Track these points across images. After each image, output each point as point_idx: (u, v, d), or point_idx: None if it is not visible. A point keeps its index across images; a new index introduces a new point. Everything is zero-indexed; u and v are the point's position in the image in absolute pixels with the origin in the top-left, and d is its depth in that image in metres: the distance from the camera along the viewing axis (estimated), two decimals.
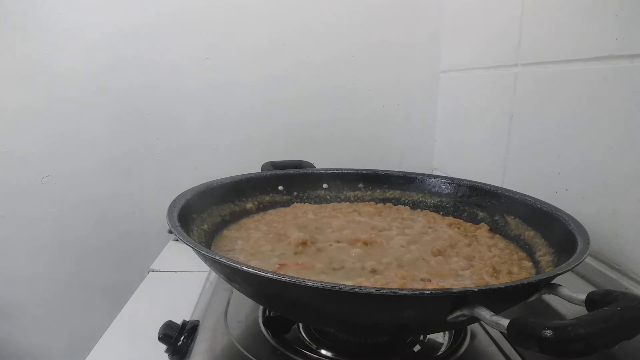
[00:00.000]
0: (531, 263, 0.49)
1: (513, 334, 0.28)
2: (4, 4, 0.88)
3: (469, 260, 0.49)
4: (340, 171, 0.72)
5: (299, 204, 0.69)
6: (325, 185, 0.72)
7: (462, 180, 0.66)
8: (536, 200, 0.54)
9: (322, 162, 0.78)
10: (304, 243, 0.52)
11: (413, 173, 0.71)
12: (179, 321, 0.51)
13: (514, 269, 0.47)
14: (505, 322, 0.28)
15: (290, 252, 0.51)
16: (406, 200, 0.70)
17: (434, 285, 0.43)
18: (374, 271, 0.45)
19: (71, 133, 0.95)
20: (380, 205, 0.69)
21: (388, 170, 0.72)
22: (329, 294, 0.32)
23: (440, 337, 0.49)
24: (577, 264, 0.37)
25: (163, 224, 0.47)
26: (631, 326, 0.27)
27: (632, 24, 0.48)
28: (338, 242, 0.53)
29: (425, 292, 0.32)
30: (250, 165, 0.74)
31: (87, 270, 1.03)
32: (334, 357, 0.45)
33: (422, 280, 0.44)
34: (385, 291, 0.31)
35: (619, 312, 0.27)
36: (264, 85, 0.97)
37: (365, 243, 0.53)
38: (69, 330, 1.07)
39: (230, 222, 0.60)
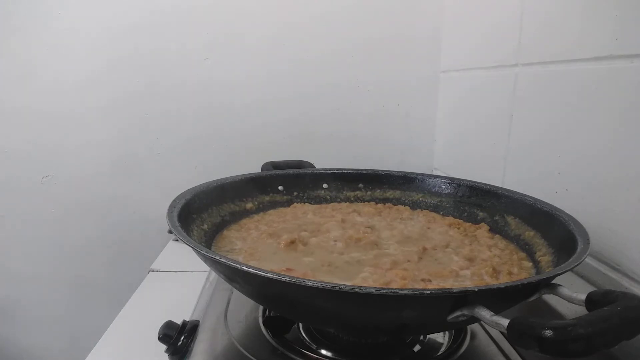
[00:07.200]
0: (531, 263, 0.49)
1: (513, 334, 0.28)
2: (4, 4, 0.88)
3: (469, 260, 0.49)
4: (340, 171, 0.72)
5: (299, 204, 0.69)
6: (325, 185, 0.72)
7: (462, 180, 0.66)
8: (536, 200, 0.54)
9: (322, 162, 0.78)
10: (292, 242, 0.52)
11: (413, 173, 0.71)
12: (179, 321, 0.51)
13: (514, 269, 0.47)
14: (505, 322, 0.28)
15: (282, 251, 0.51)
16: (406, 200, 0.70)
17: (434, 285, 0.43)
18: (373, 272, 0.45)
19: (71, 133, 0.95)
20: (380, 205, 0.69)
21: (388, 170, 0.72)
22: (329, 294, 0.32)
23: (440, 337, 0.49)
24: (577, 264, 0.37)
25: (163, 224, 0.47)
26: (631, 326, 0.27)
27: (632, 24, 0.48)
28: (335, 241, 0.53)
29: (425, 292, 0.33)
30: (250, 165, 0.74)
31: (87, 270, 1.03)
32: (334, 357, 0.45)
33: (423, 280, 0.44)
34: (385, 291, 0.31)
35: (619, 312, 0.27)
36: (264, 85, 0.97)
37: (364, 243, 0.53)
38: (69, 330, 1.07)
39: (230, 222, 0.60)
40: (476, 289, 0.31)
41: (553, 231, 0.48)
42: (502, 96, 0.73)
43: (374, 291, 0.31)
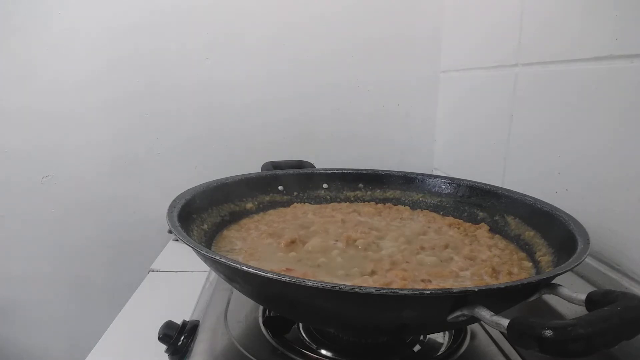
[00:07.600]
0: (531, 263, 0.49)
1: (513, 334, 0.28)
2: (4, 4, 0.88)
3: (469, 260, 0.49)
4: (340, 171, 0.72)
5: (299, 204, 0.69)
6: (325, 185, 0.72)
7: (462, 180, 0.66)
8: (536, 200, 0.54)
9: (322, 162, 0.78)
10: (292, 242, 0.52)
11: (413, 173, 0.71)
12: (179, 321, 0.51)
13: (514, 269, 0.47)
14: (505, 322, 0.28)
15: (282, 251, 0.51)
16: (406, 200, 0.70)
17: (434, 285, 0.43)
18: (373, 272, 0.45)
19: (71, 133, 0.95)
20: (380, 205, 0.69)
21: (388, 170, 0.72)
22: (329, 294, 0.32)
23: (440, 337, 0.49)
24: (577, 264, 0.37)
25: (163, 224, 0.47)
26: (631, 326, 0.27)
27: (632, 24, 0.48)
28: (335, 241, 0.53)
29: (425, 292, 0.33)
30: (250, 165, 0.74)
31: (87, 271, 1.03)
32: (334, 357, 0.45)
33: (423, 281, 0.44)
34: (385, 291, 0.31)
35: (619, 312, 0.27)
36: (264, 85, 0.97)
37: (364, 243, 0.53)
38: (69, 330, 1.07)
39: (230, 222, 0.60)
40: (476, 289, 0.31)
41: (553, 231, 0.48)
42: (502, 96, 0.73)
43: (374, 291, 0.31)
